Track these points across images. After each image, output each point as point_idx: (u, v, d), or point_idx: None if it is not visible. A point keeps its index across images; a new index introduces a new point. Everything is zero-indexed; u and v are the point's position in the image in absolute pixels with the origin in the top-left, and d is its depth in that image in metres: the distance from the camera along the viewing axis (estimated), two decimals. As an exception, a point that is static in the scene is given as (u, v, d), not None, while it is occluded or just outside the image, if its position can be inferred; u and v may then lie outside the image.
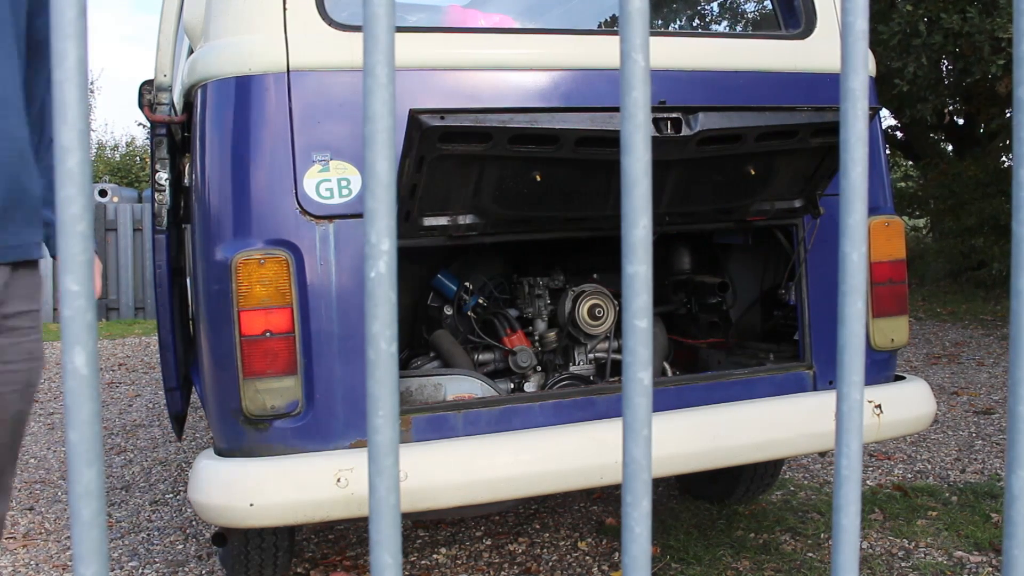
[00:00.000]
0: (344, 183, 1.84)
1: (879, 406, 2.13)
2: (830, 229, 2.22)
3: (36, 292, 1.27)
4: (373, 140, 0.38)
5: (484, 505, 2.12)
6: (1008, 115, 8.72)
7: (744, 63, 2.18)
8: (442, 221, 1.90)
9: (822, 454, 3.10)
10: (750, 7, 8.86)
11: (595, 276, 2.53)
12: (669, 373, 2.48)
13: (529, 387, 2.33)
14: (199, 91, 1.90)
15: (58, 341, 3.99)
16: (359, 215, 1.83)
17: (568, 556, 2.65)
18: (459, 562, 2.63)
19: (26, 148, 1.23)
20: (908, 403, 2.20)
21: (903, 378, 2.31)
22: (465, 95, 1.97)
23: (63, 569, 2.68)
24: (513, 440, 1.90)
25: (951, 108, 9.80)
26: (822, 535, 2.74)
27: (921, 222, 13.03)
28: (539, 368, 2.39)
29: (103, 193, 9.38)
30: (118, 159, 16.39)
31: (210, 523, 1.97)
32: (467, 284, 2.48)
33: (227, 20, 1.88)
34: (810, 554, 2.58)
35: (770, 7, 2.46)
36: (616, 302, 2.38)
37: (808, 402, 2.15)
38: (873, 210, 2.24)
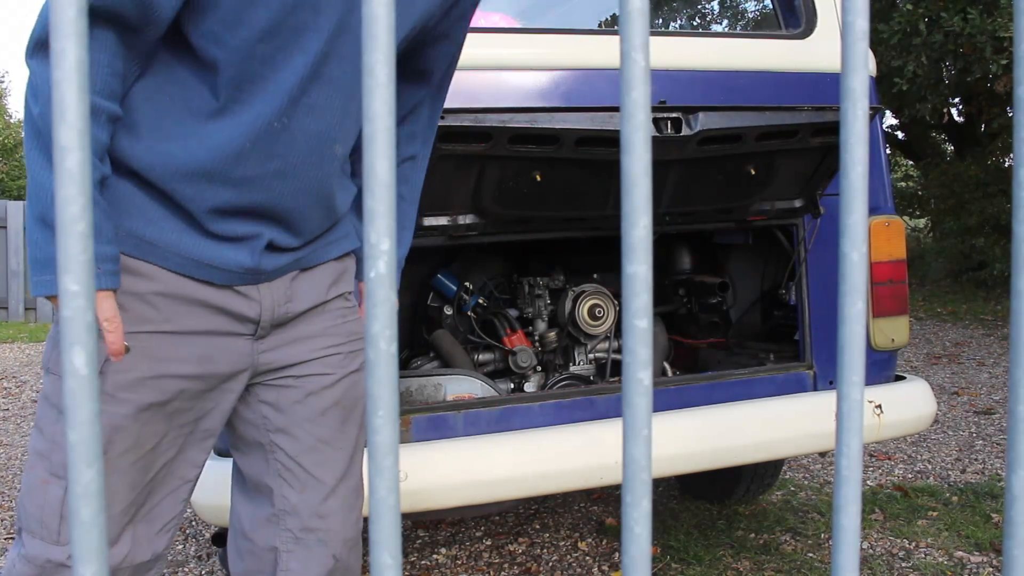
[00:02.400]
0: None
1: (879, 406, 2.13)
2: (830, 229, 2.22)
3: (336, 280, 1.32)
4: (373, 140, 0.38)
5: (484, 505, 2.12)
6: (1009, 114, 8.72)
7: (744, 63, 2.18)
8: (442, 221, 1.90)
9: (822, 454, 3.10)
10: (750, 7, 8.85)
11: (595, 276, 2.53)
12: (669, 373, 2.48)
13: (529, 387, 2.33)
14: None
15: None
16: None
17: (568, 556, 2.65)
18: (459, 562, 2.63)
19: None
20: (908, 403, 2.20)
21: (903, 378, 2.31)
22: (465, 95, 1.97)
23: (63, 569, 2.67)
24: (513, 440, 1.90)
25: (951, 107, 9.80)
26: (822, 535, 2.74)
27: (921, 222, 13.03)
28: (539, 368, 2.39)
29: None
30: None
31: (210, 523, 1.97)
32: (467, 284, 2.48)
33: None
34: (810, 554, 2.58)
35: (770, 7, 2.46)
36: (616, 302, 2.38)
37: (808, 402, 2.14)
38: (873, 210, 2.24)
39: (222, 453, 1.85)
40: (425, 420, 1.90)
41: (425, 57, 1.31)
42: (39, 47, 1.03)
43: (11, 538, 2.92)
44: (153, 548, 1.21)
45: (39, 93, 1.03)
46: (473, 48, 2.04)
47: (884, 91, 7.21)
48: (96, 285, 1.01)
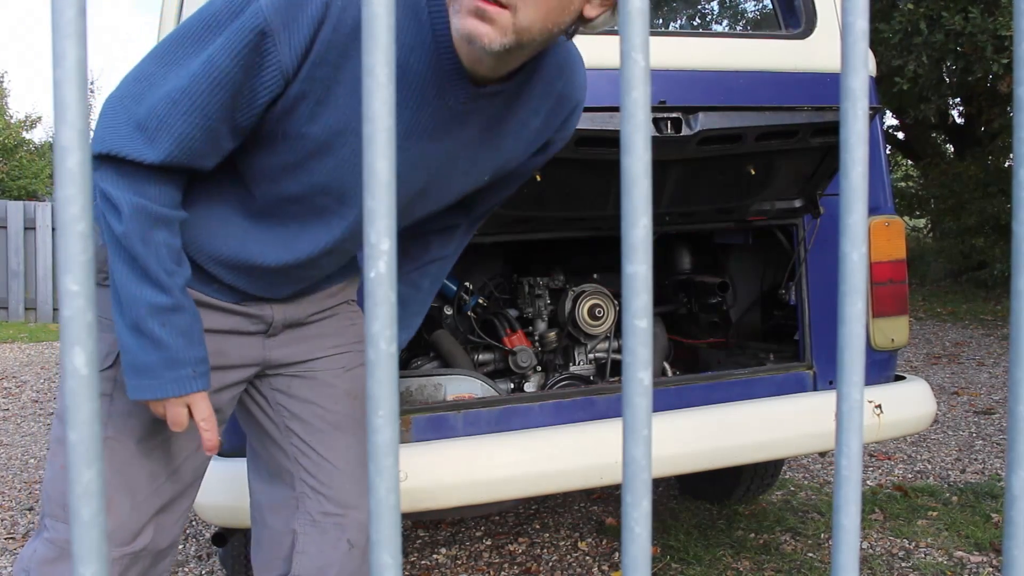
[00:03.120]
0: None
1: (879, 406, 2.13)
2: (830, 229, 2.22)
3: (341, 289, 1.40)
4: (373, 140, 0.38)
5: (484, 505, 2.12)
6: (1010, 114, 8.72)
7: (744, 63, 2.18)
8: (442, 221, 1.89)
9: (822, 454, 3.10)
10: (750, 7, 8.85)
11: (595, 276, 2.52)
12: (669, 373, 2.48)
13: (529, 387, 2.33)
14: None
15: (57, 341, 3.98)
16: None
17: (568, 556, 2.65)
18: (459, 562, 2.63)
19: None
20: (908, 403, 2.20)
21: (903, 378, 2.31)
22: (465, 95, 1.96)
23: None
24: (513, 440, 1.90)
25: (954, 108, 9.79)
26: (822, 535, 2.74)
27: (921, 222, 13.02)
28: (539, 368, 2.39)
29: None
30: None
31: (210, 523, 1.97)
32: (467, 284, 2.48)
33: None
34: (810, 554, 2.58)
35: (770, 7, 2.46)
36: (616, 302, 2.38)
37: (808, 402, 2.14)
38: (873, 210, 2.24)
39: (223, 453, 1.85)
40: (425, 420, 1.90)
41: (473, 198, 1.39)
42: (102, 160, 1.06)
43: (11, 538, 2.92)
44: (171, 536, 1.28)
45: (118, 211, 1.06)
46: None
47: (884, 91, 7.21)
48: (191, 388, 1.11)
